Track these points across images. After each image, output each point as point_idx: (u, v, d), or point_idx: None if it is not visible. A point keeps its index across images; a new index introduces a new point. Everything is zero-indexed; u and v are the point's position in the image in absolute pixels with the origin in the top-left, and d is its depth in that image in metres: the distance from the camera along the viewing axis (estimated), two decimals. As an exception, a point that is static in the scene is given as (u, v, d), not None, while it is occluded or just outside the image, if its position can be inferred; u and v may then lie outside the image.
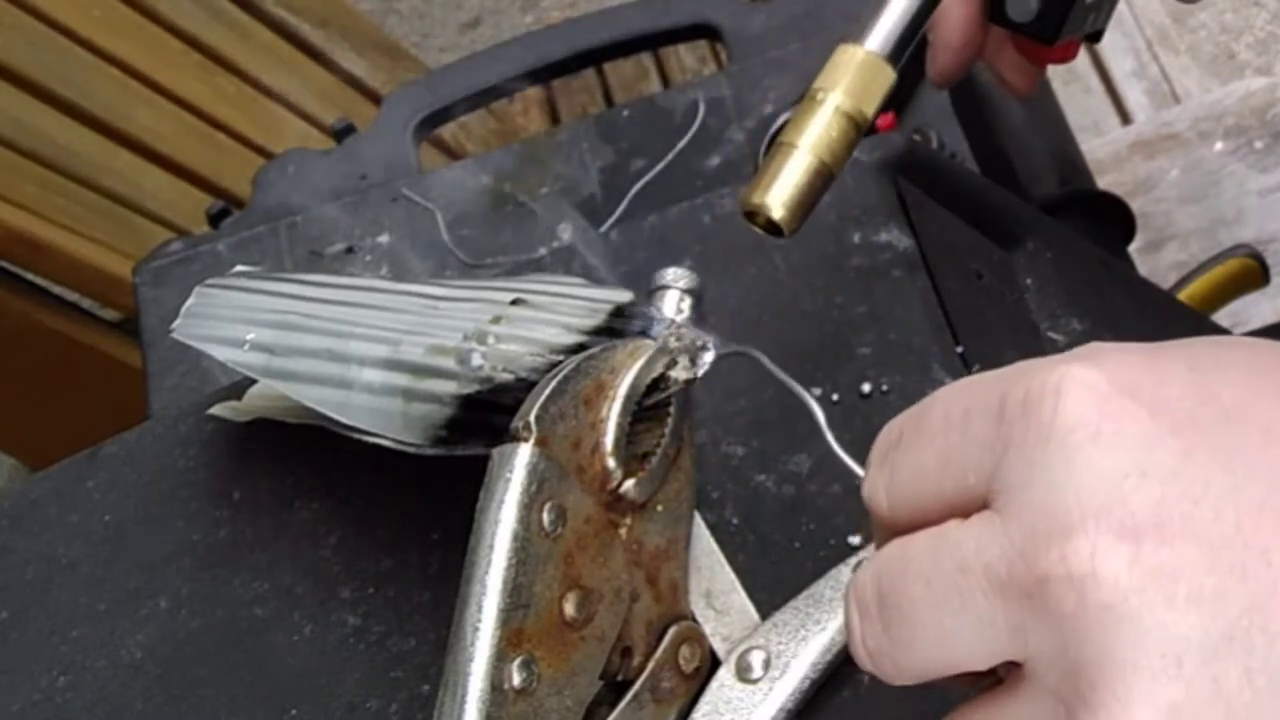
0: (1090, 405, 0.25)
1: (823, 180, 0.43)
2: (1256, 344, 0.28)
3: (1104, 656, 0.24)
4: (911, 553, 0.27)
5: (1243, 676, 0.23)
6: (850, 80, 0.44)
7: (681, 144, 0.75)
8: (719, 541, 0.43)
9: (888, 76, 0.44)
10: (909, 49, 0.45)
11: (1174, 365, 0.26)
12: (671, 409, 0.40)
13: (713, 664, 0.41)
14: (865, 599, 0.28)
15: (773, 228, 0.43)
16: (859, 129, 0.44)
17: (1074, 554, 0.24)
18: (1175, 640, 0.23)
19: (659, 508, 0.40)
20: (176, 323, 0.46)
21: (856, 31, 0.45)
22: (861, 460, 0.32)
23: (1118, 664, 0.23)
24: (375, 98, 1.42)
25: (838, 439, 0.45)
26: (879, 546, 0.29)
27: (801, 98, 0.45)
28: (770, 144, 0.69)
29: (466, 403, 0.39)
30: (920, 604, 0.26)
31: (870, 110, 0.44)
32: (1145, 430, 0.25)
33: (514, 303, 0.43)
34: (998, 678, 0.28)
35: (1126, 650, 0.23)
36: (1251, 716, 0.23)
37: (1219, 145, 1.32)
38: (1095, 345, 0.27)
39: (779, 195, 0.42)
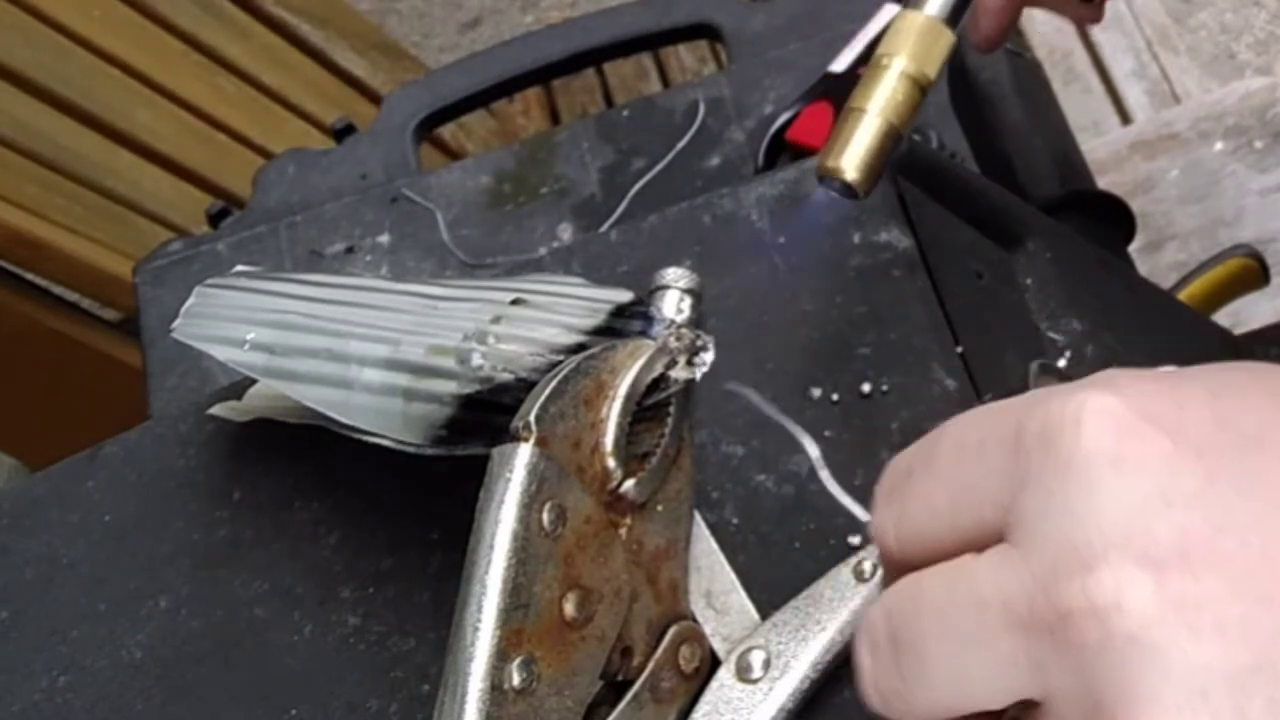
0: (1110, 433, 0.25)
1: (892, 142, 0.46)
2: (1275, 369, 0.27)
3: (1127, 691, 0.23)
4: (925, 588, 0.26)
5: (1268, 707, 0.22)
6: (912, 45, 0.46)
7: (681, 144, 0.75)
8: (719, 541, 0.43)
9: (948, 39, 0.47)
10: (965, 10, 0.48)
11: (1193, 391, 0.26)
12: (671, 409, 0.40)
13: (713, 664, 0.40)
14: (876, 637, 0.27)
15: (848, 190, 0.46)
16: (923, 90, 0.47)
17: (1097, 586, 0.23)
18: (1200, 672, 0.22)
19: (659, 508, 0.40)
20: (176, 323, 0.46)
21: None
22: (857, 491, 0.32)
23: (1142, 698, 0.23)
24: (375, 98, 1.43)
25: (836, 439, 0.46)
26: (887, 585, 0.28)
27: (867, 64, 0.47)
28: (774, 139, 0.69)
29: (466, 403, 0.39)
30: (935, 641, 0.26)
31: (933, 72, 0.47)
32: (1167, 457, 0.24)
33: (514, 303, 0.43)
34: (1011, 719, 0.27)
35: (1150, 683, 0.23)
36: None
37: (1219, 145, 1.32)
38: (1112, 372, 0.27)
39: (852, 158, 0.45)
